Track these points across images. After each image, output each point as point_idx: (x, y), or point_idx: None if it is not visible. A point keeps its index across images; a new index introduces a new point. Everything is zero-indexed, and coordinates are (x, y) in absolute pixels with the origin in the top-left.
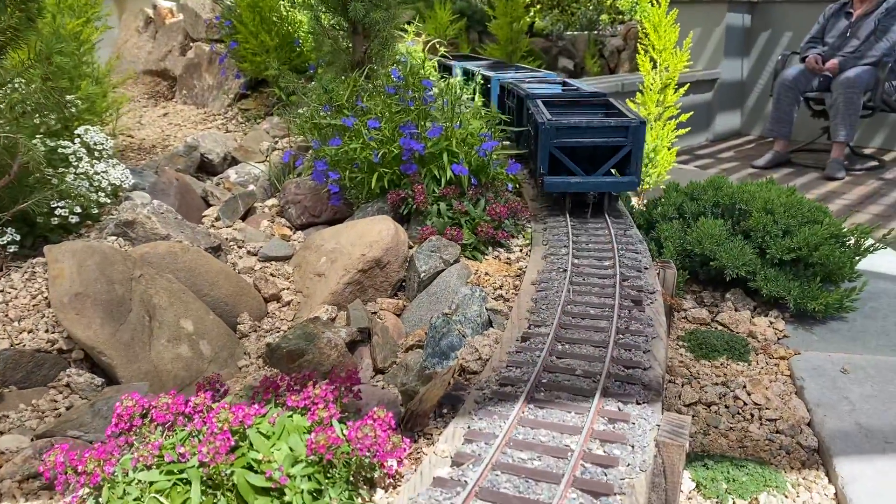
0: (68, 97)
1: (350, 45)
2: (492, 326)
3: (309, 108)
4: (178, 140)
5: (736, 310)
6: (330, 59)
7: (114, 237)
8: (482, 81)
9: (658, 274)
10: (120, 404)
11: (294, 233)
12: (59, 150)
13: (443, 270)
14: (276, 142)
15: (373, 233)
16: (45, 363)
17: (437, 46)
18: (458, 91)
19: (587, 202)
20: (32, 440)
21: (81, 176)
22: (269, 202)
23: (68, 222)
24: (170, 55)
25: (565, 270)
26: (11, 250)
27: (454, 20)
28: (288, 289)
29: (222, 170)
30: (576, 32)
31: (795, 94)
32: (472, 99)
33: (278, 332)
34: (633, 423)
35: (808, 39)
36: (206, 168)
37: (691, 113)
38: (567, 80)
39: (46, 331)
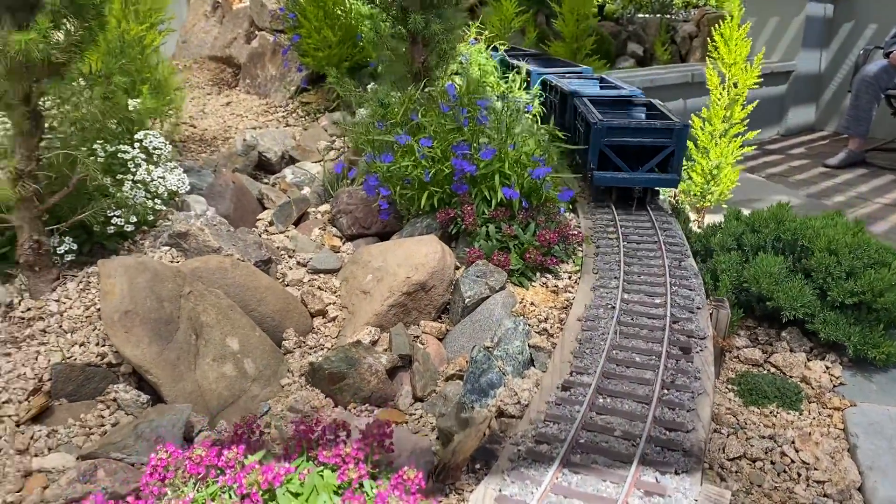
0: (130, 103)
1: (409, 54)
2: (533, 365)
3: (363, 122)
4: (238, 132)
5: (791, 350)
6: (387, 67)
7: (167, 247)
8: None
9: (711, 315)
10: (155, 455)
11: (343, 243)
12: (119, 155)
13: (488, 297)
14: (334, 141)
15: (419, 255)
16: (95, 376)
17: (499, 47)
18: (513, 112)
19: (632, 196)
20: (78, 459)
21: (139, 184)
22: (322, 208)
23: (124, 230)
24: (235, 42)
25: (613, 307)
26: (69, 259)
27: (520, 12)
28: (334, 303)
29: (279, 168)
30: (647, 16)
31: (876, 90)
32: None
33: (322, 349)
34: (670, 497)
35: (893, 34)
36: (263, 166)
37: (758, 131)
38: (603, 76)
39: (97, 344)
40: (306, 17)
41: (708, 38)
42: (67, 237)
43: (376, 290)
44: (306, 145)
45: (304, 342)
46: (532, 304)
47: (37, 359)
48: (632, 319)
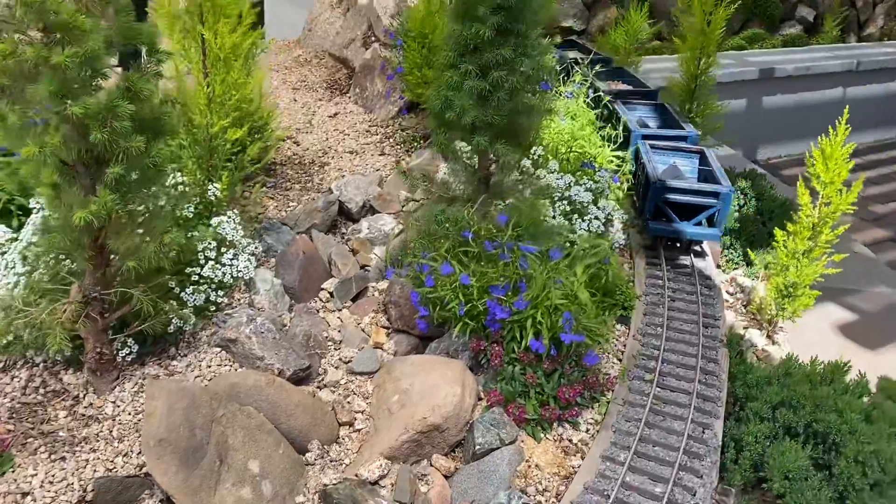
0: (210, 189)
1: (476, 163)
2: None
3: (420, 226)
4: (338, 154)
5: None
6: (454, 170)
7: (219, 348)
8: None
9: None
10: None
11: (388, 339)
12: (193, 238)
13: (498, 448)
14: (413, 192)
15: (439, 395)
16: (132, 486)
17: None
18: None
19: (679, 244)
20: None
21: (204, 282)
22: (381, 285)
23: (184, 329)
24: (352, 44)
25: (608, 496)
26: (129, 359)
27: (653, 23)
28: (363, 412)
29: (360, 216)
30: None
31: None
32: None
33: (341, 465)
34: None
35: None
36: (344, 212)
37: (846, 255)
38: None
39: (138, 454)
40: (410, 50)
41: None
42: (129, 339)
43: (398, 417)
44: (388, 195)
45: (328, 453)
46: (537, 466)
47: (85, 467)
48: None
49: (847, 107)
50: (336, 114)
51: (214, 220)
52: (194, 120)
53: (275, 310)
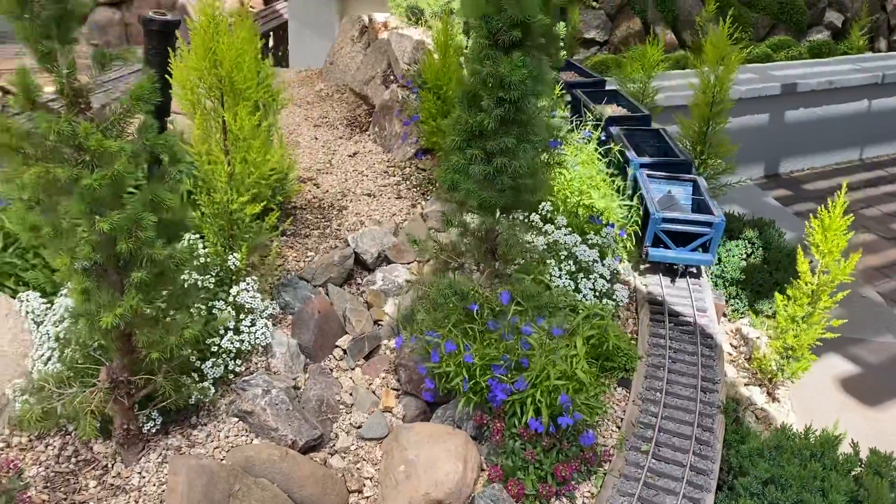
0: (230, 259)
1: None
2: None
3: (427, 295)
4: (356, 197)
5: None
6: (464, 243)
7: (236, 418)
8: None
9: None
10: None
11: (397, 402)
12: (213, 309)
13: None
14: (423, 256)
15: (442, 470)
16: None
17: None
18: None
19: (676, 270)
20: None
21: (223, 352)
22: (392, 343)
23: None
24: (373, 81)
25: None
26: (154, 430)
27: (670, 50)
28: (372, 478)
29: (375, 266)
30: None
31: None
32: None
33: None
34: None
35: None
36: (360, 262)
37: (844, 321)
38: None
39: None
40: (425, 100)
41: None
42: (155, 412)
43: (403, 490)
44: (403, 243)
45: None
46: None
47: None
48: None
49: (844, 185)
50: (356, 153)
51: (234, 290)
52: (215, 197)
53: (290, 372)
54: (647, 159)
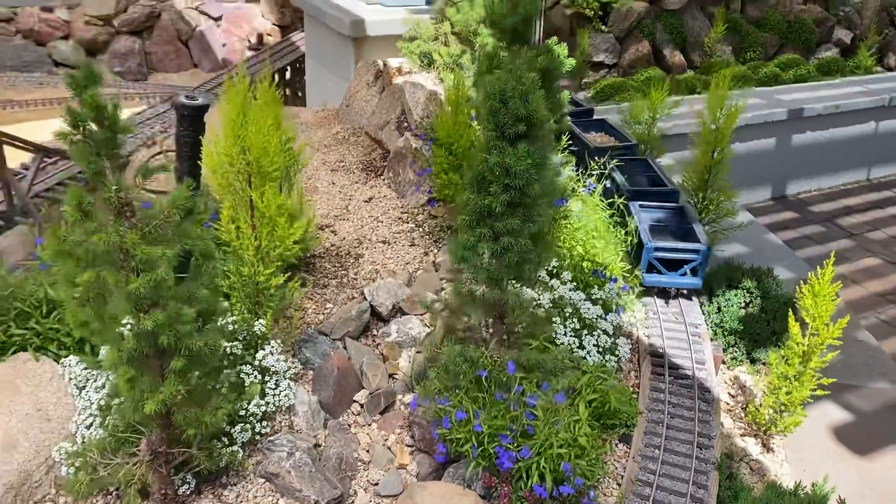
0: (256, 325)
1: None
2: None
3: (439, 363)
4: (372, 245)
5: None
6: (468, 302)
7: (262, 479)
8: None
9: None
10: None
11: (411, 459)
12: (240, 373)
13: None
14: (440, 296)
15: None
16: None
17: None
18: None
19: (669, 294)
20: None
21: (251, 418)
22: (407, 398)
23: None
24: (387, 127)
25: None
26: (188, 493)
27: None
28: None
29: (390, 318)
30: None
31: None
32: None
33: None
34: None
35: None
36: (376, 314)
37: (834, 380)
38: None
39: None
40: (437, 155)
41: None
42: (189, 475)
43: None
44: (417, 296)
45: None
46: None
47: None
48: None
49: (832, 255)
50: (371, 198)
51: (259, 354)
52: (243, 270)
53: (311, 429)
54: (640, 188)
